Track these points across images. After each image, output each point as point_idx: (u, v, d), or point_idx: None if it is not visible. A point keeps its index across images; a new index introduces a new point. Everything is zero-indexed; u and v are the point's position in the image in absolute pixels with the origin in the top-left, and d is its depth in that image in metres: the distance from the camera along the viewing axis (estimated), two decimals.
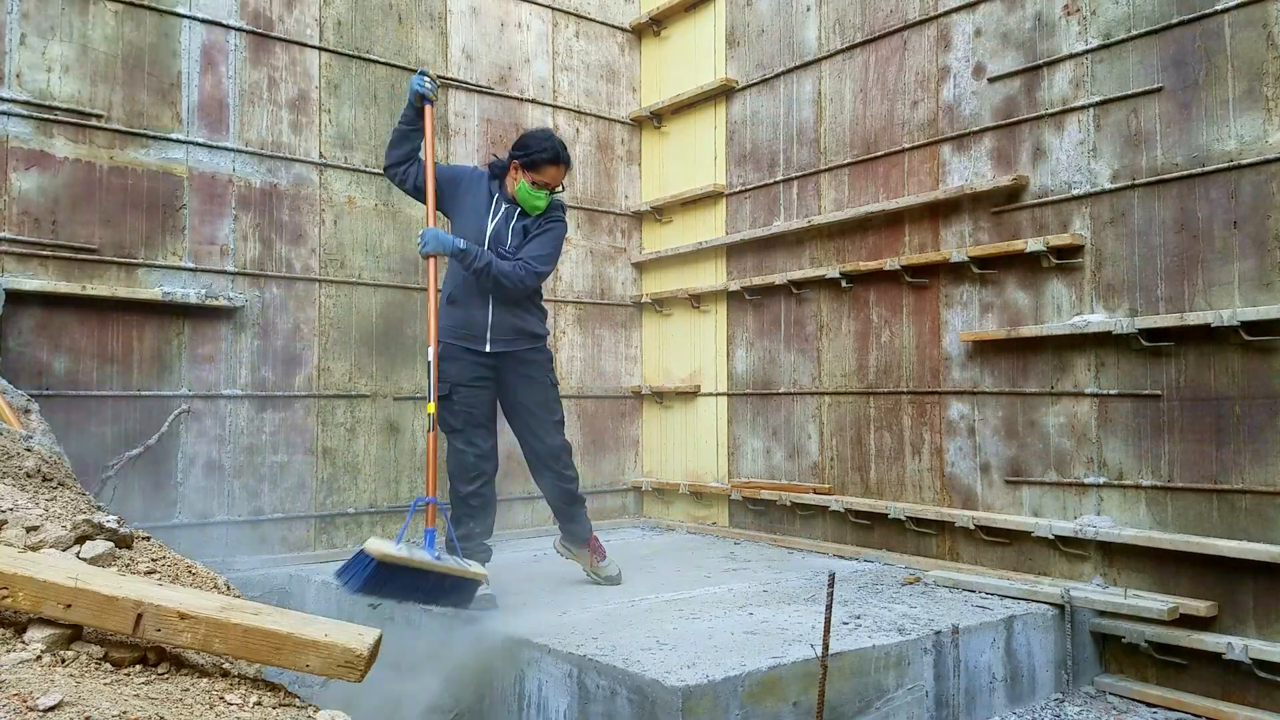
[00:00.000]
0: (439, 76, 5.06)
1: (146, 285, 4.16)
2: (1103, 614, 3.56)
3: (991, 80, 4.07)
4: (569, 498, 3.79)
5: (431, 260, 3.40)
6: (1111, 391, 3.64)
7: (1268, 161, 3.25)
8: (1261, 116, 3.27)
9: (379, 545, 2.99)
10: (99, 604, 1.90)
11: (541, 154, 3.52)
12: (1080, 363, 3.74)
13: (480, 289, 3.49)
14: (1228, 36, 3.35)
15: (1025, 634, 3.41)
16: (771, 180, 5.09)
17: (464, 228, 3.56)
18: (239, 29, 4.45)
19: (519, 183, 3.55)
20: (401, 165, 3.60)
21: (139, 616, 1.89)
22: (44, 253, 3.93)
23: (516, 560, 4.47)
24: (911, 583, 3.88)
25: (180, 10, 4.28)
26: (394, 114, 4.89)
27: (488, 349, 3.53)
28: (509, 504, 5.25)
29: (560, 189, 3.62)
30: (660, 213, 5.77)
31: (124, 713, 1.60)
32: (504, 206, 3.60)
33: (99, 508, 2.94)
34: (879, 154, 4.54)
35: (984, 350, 4.09)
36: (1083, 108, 3.75)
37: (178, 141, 4.27)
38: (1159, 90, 3.53)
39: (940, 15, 4.29)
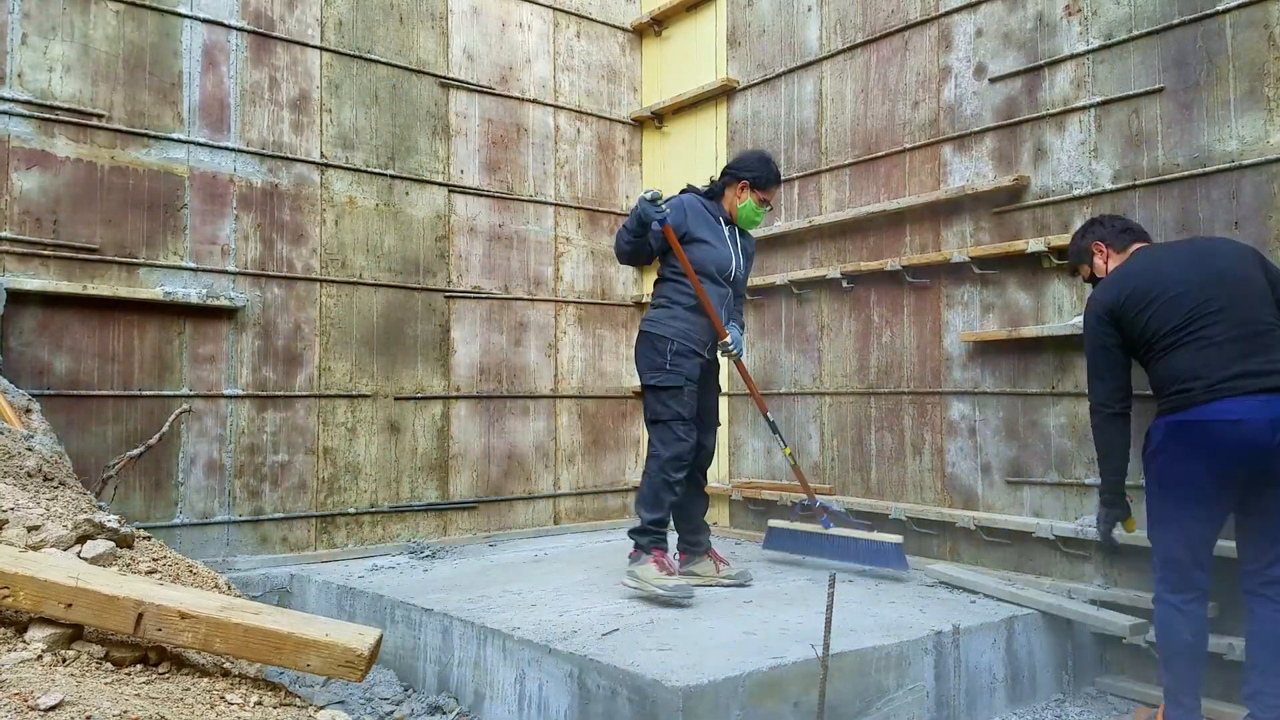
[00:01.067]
0: (439, 76, 5.08)
1: (148, 285, 4.17)
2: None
3: (993, 80, 4.07)
4: (704, 501, 3.94)
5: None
6: None
7: (1269, 162, 3.24)
8: (1263, 117, 3.27)
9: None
10: (100, 603, 1.90)
11: (773, 177, 3.82)
12: (1081, 363, 3.74)
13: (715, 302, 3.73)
14: (1229, 37, 3.35)
15: (1026, 634, 3.41)
16: None
17: (706, 258, 3.70)
18: (240, 29, 4.45)
19: (744, 201, 3.78)
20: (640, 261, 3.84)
21: (140, 616, 1.90)
22: (45, 252, 3.93)
23: (517, 560, 4.48)
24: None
25: (181, 10, 4.28)
26: (395, 114, 4.91)
27: (706, 355, 3.76)
28: (510, 504, 5.25)
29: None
30: None
31: (125, 712, 1.60)
32: (728, 229, 3.84)
33: (100, 507, 2.94)
34: (880, 154, 4.54)
35: (985, 351, 4.08)
36: (1084, 108, 3.75)
37: (179, 141, 4.27)
38: (1160, 90, 3.53)
39: (941, 15, 4.29)
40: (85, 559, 2.21)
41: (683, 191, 3.88)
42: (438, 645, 3.40)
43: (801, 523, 4.22)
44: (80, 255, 4.01)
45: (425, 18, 5.06)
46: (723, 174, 3.86)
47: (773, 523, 4.32)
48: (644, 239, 3.65)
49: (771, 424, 4.06)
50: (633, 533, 3.65)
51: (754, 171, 3.77)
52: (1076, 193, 3.76)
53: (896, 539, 3.96)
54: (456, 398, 5.07)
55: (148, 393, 4.15)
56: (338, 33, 4.75)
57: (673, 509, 3.68)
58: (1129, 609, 3.49)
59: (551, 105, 5.56)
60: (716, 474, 5.35)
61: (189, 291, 4.22)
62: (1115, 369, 2.97)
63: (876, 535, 4.01)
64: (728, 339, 3.73)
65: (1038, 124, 3.91)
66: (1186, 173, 3.45)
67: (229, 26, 4.42)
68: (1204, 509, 2.77)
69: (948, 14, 4.26)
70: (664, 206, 3.58)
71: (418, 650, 3.48)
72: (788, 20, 5.04)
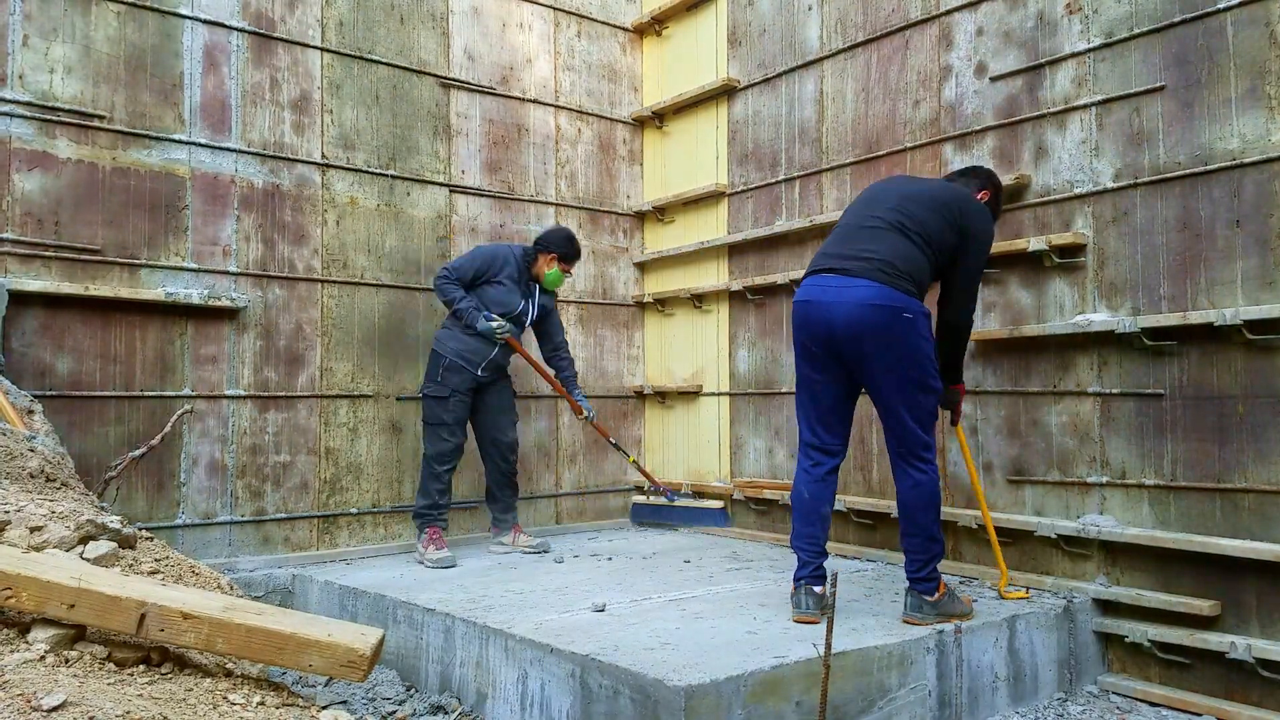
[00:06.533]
0: (440, 77, 5.08)
1: (149, 286, 4.17)
2: (1106, 613, 3.56)
3: (993, 79, 4.07)
4: (512, 487, 4.79)
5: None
6: (1114, 390, 3.64)
7: (1270, 160, 3.24)
8: (1264, 115, 3.26)
9: None
10: (102, 604, 1.90)
11: (574, 254, 4.69)
12: (1083, 362, 3.74)
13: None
14: (1230, 35, 3.35)
15: (1028, 633, 3.40)
16: (773, 180, 5.09)
17: (495, 298, 4.53)
18: (241, 30, 4.45)
19: (551, 269, 4.63)
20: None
21: (142, 617, 1.90)
22: (47, 253, 3.94)
23: (518, 559, 4.48)
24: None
25: (182, 11, 4.29)
26: (396, 114, 4.91)
27: (480, 373, 4.53)
28: (530, 502, 5.24)
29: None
30: (662, 212, 5.77)
31: (127, 713, 1.60)
32: (530, 285, 4.69)
33: (102, 508, 2.95)
34: (881, 153, 4.53)
35: (986, 350, 4.08)
36: (1085, 106, 3.75)
37: (180, 142, 4.28)
38: (1161, 89, 3.53)
39: (942, 14, 4.28)
40: (88, 560, 2.22)
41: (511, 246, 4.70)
42: (440, 645, 3.40)
43: (655, 498, 5.47)
44: (82, 256, 4.02)
45: (426, 18, 5.06)
46: (535, 245, 4.65)
47: (636, 499, 5.62)
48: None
49: (614, 444, 5.12)
50: (414, 517, 4.53)
51: (562, 249, 4.61)
52: (1078, 191, 3.76)
53: (718, 504, 5.20)
54: None
55: (150, 393, 4.16)
56: (338, 33, 4.75)
57: (447, 493, 4.49)
58: (1131, 607, 3.50)
59: (552, 105, 5.56)
60: (719, 473, 5.36)
61: (190, 292, 4.23)
62: None
63: (704, 502, 5.28)
64: (584, 414, 4.81)
65: (1039, 123, 3.91)
66: (1188, 171, 3.45)
67: (230, 27, 4.42)
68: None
69: (948, 13, 4.26)
70: (497, 327, 4.43)
71: (420, 650, 3.49)
72: (788, 19, 5.04)
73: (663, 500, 5.38)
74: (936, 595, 3.19)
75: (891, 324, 3.02)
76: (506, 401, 4.71)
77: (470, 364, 4.48)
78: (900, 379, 3.07)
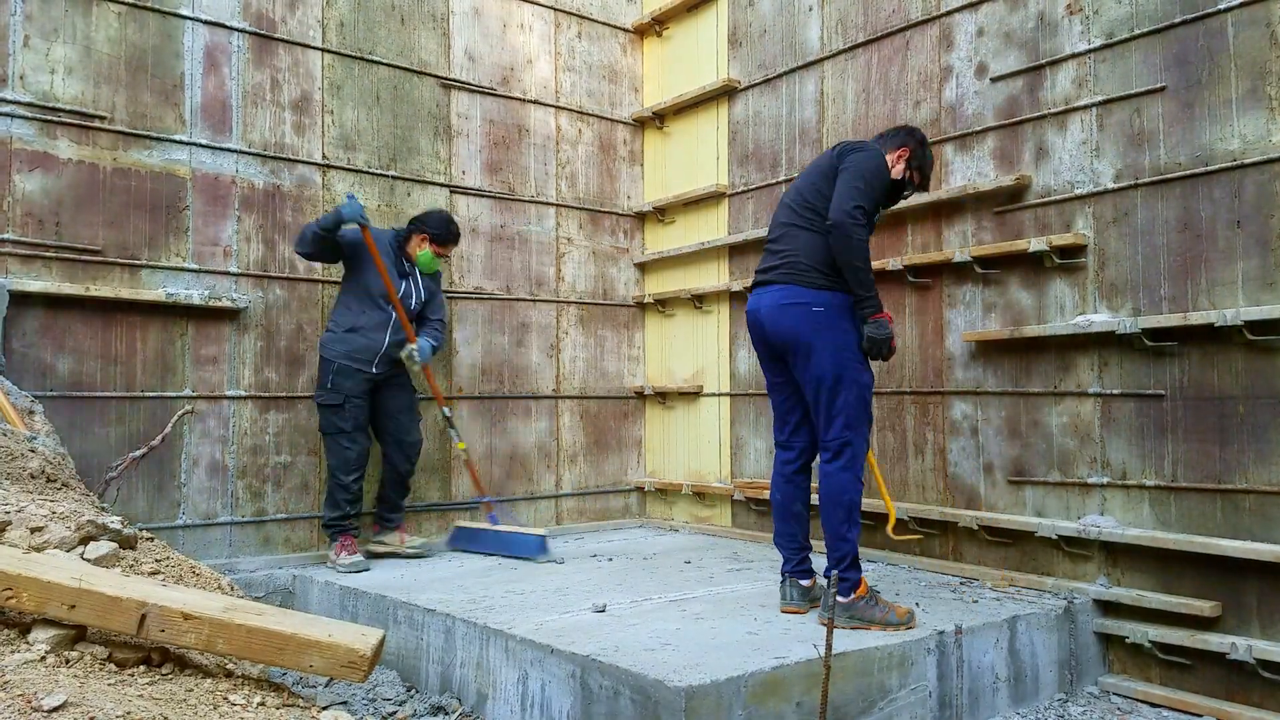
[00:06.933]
0: (441, 77, 5.08)
1: (150, 286, 4.17)
2: (1106, 614, 3.56)
3: (994, 80, 4.07)
4: (404, 489, 4.60)
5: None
6: (1115, 391, 3.64)
7: (1271, 161, 3.24)
8: (1265, 116, 3.26)
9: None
10: (103, 605, 1.91)
11: (450, 237, 4.53)
12: (1083, 362, 3.74)
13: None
14: (1231, 35, 3.35)
15: (1029, 634, 3.40)
16: (774, 180, 5.09)
17: (372, 282, 4.35)
18: (242, 30, 4.45)
19: (423, 250, 4.46)
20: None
21: (143, 617, 1.90)
22: (48, 254, 3.94)
23: (520, 560, 4.47)
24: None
25: (183, 12, 4.29)
26: (397, 115, 4.92)
27: (374, 370, 4.34)
28: (512, 504, 5.25)
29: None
30: (663, 213, 5.77)
31: (128, 713, 1.60)
32: (406, 265, 4.50)
33: (103, 509, 2.95)
34: None
35: (987, 350, 4.08)
36: (1085, 107, 3.75)
37: (181, 143, 4.28)
38: (1162, 90, 3.53)
39: (942, 15, 4.28)
40: (88, 560, 2.22)
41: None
42: (440, 646, 3.40)
43: (476, 523, 4.85)
44: (83, 257, 4.02)
45: (426, 19, 5.07)
46: (409, 224, 4.52)
47: (458, 523, 4.90)
48: (330, 238, 4.20)
49: (448, 418, 4.71)
50: (324, 528, 4.38)
51: (434, 229, 4.46)
52: (1078, 192, 3.76)
53: (542, 532, 4.62)
54: (458, 398, 5.07)
55: (150, 394, 4.16)
56: (339, 34, 4.75)
57: (357, 502, 4.32)
58: (1131, 608, 3.50)
59: (553, 106, 5.56)
60: (719, 474, 5.36)
61: (191, 293, 4.23)
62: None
63: (525, 529, 4.72)
64: (412, 345, 4.39)
65: (1039, 123, 3.91)
66: (1188, 172, 3.45)
67: (230, 28, 4.42)
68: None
69: (949, 13, 4.26)
70: (354, 204, 4.14)
71: (420, 651, 3.49)
72: (789, 20, 5.04)
73: (485, 524, 4.79)
74: (851, 597, 3.16)
75: (801, 317, 3.19)
76: (408, 401, 4.50)
77: (361, 363, 4.27)
78: (818, 370, 3.18)
